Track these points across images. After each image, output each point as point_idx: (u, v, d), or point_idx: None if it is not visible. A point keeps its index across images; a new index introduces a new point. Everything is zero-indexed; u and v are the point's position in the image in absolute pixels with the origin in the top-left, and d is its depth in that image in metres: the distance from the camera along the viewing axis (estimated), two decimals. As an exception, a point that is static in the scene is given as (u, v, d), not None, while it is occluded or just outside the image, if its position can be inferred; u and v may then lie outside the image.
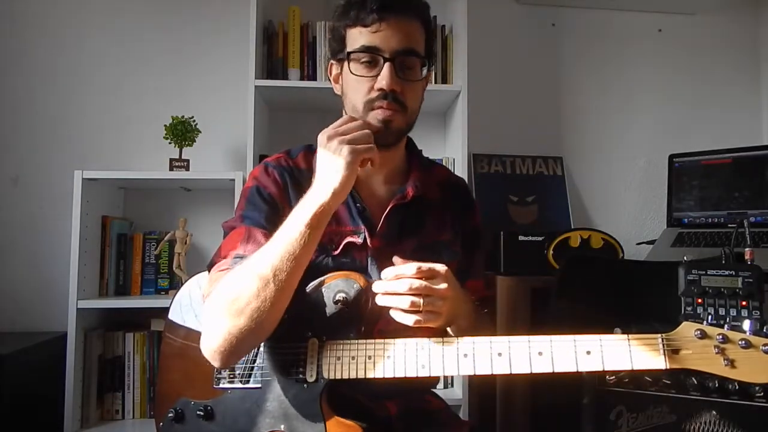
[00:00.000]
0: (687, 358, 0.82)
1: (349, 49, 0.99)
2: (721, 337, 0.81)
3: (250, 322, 0.85)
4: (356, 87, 0.99)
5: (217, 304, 0.88)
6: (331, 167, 0.88)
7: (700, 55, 2.37)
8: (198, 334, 0.93)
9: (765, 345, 0.79)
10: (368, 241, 1.02)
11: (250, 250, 0.94)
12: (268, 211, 1.01)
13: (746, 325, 0.81)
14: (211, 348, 0.89)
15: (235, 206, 1.07)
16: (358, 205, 1.04)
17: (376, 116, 0.98)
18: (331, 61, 1.08)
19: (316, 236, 0.88)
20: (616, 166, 2.31)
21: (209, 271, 0.99)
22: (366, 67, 0.98)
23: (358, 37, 0.98)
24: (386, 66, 0.96)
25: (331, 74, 1.09)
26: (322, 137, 0.91)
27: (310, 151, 1.09)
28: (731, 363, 0.80)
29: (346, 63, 1.00)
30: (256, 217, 1.00)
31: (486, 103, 2.14)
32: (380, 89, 0.97)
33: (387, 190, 1.09)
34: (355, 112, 1.00)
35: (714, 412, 1.07)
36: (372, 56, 0.98)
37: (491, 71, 2.21)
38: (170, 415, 0.97)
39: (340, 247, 1.02)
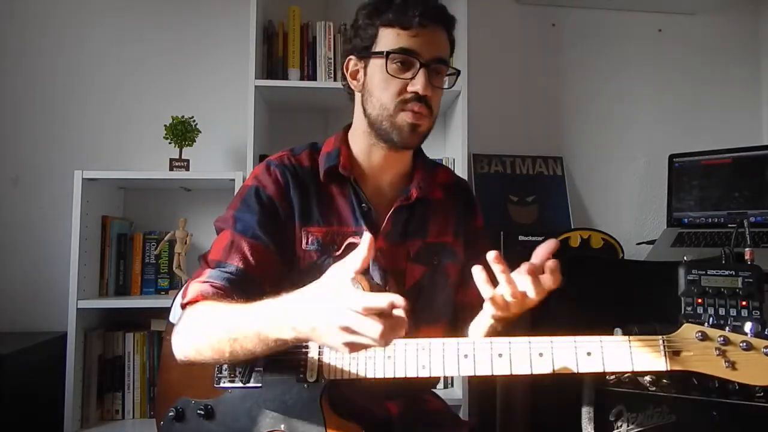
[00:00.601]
0: (688, 359, 0.82)
1: (383, 48, 0.99)
2: (722, 338, 0.81)
3: (204, 360, 0.89)
4: (387, 87, 1.00)
5: (185, 330, 0.91)
6: (332, 335, 0.71)
7: (700, 55, 2.37)
8: None
9: (766, 347, 0.79)
10: None
11: (234, 259, 0.96)
12: (261, 214, 1.00)
13: (748, 326, 0.81)
14: (174, 349, 0.92)
15: (231, 200, 1.07)
16: (363, 205, 1.04)
17: (406, 118, 0.99)
18: (350, 57, 1.06)
19: (275, 347, 0.83)
20: (616, 166, 2.31)
21: (199, 264, 1.00)
22: (400, 68, 0.99)
23: (395, 38, 0.99)
24: (422, 71, 0.98)
25: (347, 70, 1.07)
26: (356, 304, 0.68)
27: (315, 149, 1.10)
28: (732, 365, 0.80)
29: (373, 60, 1.01)
30: (248, 220, 0.99)
31: (486, 103, 2.14)
32: (414, 92, 0.98)
33: (392, 190, 1.09)
34: (383, 110, 1.00)
35: (714, 413, 1.07)
36: (408, 59, 0.99)
37: (491, 71, 2.21)
38: (171, 414, 0.97)
39: (342, 247, 1.01)
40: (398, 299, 0.67)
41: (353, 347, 0.71)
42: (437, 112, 1.05)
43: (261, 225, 0.99)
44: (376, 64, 1.01)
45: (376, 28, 1.01)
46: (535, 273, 0.86)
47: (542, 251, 0.90)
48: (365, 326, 0.67)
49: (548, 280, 0.86)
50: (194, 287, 0.93)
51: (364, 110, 1.04)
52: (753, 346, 0.80)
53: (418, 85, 0.98)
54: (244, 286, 0.94)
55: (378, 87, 1.01)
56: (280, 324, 0.78)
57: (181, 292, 0.98)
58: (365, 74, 1.04)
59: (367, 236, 0.74)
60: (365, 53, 1.02)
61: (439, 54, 1.00)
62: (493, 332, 0.97)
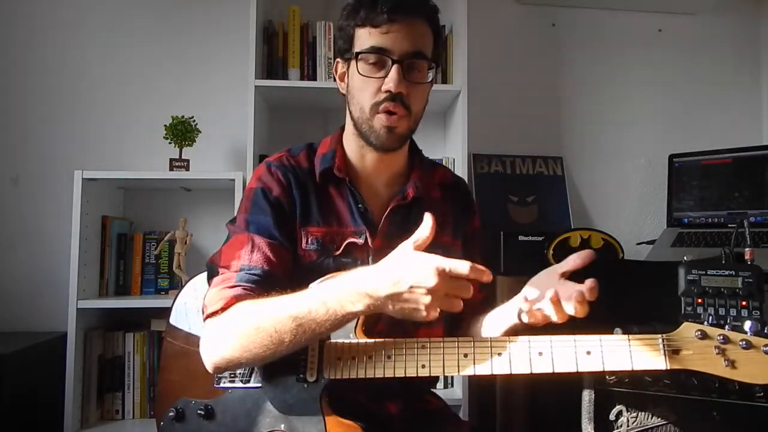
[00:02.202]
0: (687, 358, 0.82)
1: (357, 49, 0.99)
2: (721, 337, 0.81)
3: (252, 358, 0.88)
4: (363, 87, 0.99)
5: (227, 334, 0.88)
6: (405, 303, 0.78)
7: (700, 55, 2.37)
8: (197, 337, 0.94)
9: (766, 346, 0.79)
10: (369, 241, 1.02)
11: (257, 261, 0.95)
12: (274, 215, 1.00)
13: (747, 325, 0.81)
14: (209, 361, 0.91)
15: (237, 207, 1.07)
16: (360, 206, 1.04)
17: (381, 121, 0.98)
18: (338, 60, 1.07)
19: (342, 323, 0.85)
20: (616, 166, 2.31)
21: (210, 278, 0.98)
22: (373, 68, 0.98)
23: (367, 38, 0.98)
24: (394, 68, 0.96)
25: (336, 72, 1.08)
26: (434, 265, 0.75)
27: (312, 149, 1.10)
28: (732, 364, 0.80)
29: (352, 62, 1.00)
30: (263, 222, 0.99)
31: (486, 103, 2.14)
32: (387, 91, 0.96)
33: (389, 191, 1.09)
34: (362, 112, 1.00)
35: (714, 413, 1.07)
36: (380, 57, 0.97)
37: (491, 71, 2.21)
38: (171, 414, 0.97)
39: (342, 247, 1.02)
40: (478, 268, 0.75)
41: (433, 308, 0.76)
42: (419, 108, 1.02)
43: (276, 225, 0.99)
44: (352, 66, 1.00)
45: (352, 29, 1.00)
46: (558, 300, 0.86)
47: (575, 261, 0.92)
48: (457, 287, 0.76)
49: (577, 310, 0.85)
50: (224, 293, 0.91)
51: (350, 113, 1.04)
52: (753, 345, 0.79)
53: (390, 83, 0.96)
54: (271, 285, 0.92)
55: (356, 89, 1.00)
56: (353, 295, 0.81)
57: (204, 303, 0.94)
58: (348, 76, 1.03)
59: (428, 218, 0.81)
60: (347, 55, 1.02)
61: (414, 48, 0.97)
62: (512, 332, 0.98)
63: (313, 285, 0.88)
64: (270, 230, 0.98)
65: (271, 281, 0.94)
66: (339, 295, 0.82)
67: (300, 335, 0.84)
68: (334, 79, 1.09)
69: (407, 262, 0.78)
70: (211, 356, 0.90)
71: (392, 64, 0.96)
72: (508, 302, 1.00)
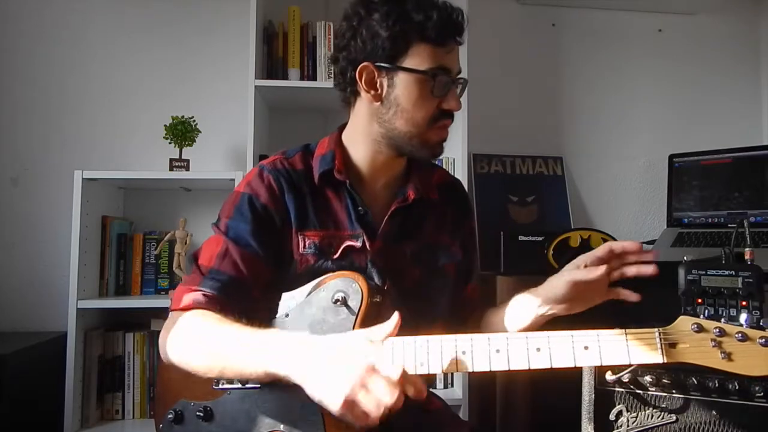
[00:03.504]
0: (684, 351, 0.82)
1: (417, 65, 0.96)
2: (717, 330, 0.81)
3: (190, 370, 0.91)
4: (423, 105, 0.98)
5: (174, 339, 0.93)
6: (335, 390, 0.75)
7: (700, 55, 2.37)
8: None
9: (762, 338, 0.79)
10: (367, 244, 1.02)
11: (226, 267, 0.97)
12: (254, 223, 0.99)
13: (743, 317, 0.82)
14: (161, 352, 0.96)
15: (223, 204, 1.05)
16: (359, 209, 1.03)
17: (439, 135, 1.01)
18: (367, 64, 0.98)
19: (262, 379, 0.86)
20: (616, 166, 2.31)
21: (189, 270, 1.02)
22: (440, 88, 0.99)
23: (431, 55, 0.96)
24: (455, 88, 1.00)
25: (360, 76, 0.99)
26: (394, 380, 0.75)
27: (308, 151, 1.09)
28: (728, 356, 0.80)
29: (402, 74, 0.97)
30: (241, 230, 0.99)
31: (486, 103, 2.14)
32: (449, 109, 1.00)
33: (388, 192, 1.08)
34: (416, 127, 0.99)
35: (714, 413, 1.07)
36: (447, 78, 0.99)
37: (491, 71, 2.21)
38: (170, 416, 0.97)
39: (339, 251, 1.01)
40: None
41: (348, 414, 0.74)
42: None
43: (254, 234, 0.99)
44: (408, 80, 0.97)
45: (407, 42, 0.96)
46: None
47: (614, 248, 0.97)
48: (370, 402, 0.73)
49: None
50: (188, 296, 0.95)
51: (383, 121, 1.00)
52: (749, 337, 0.80)
53: (452, 102, 0.99)
54: (235, 293, 0.96)
55: (414, 105, 0.98)
56: (277, 361, 0.81)
57: (172, 295, 0.98)
58: (389, 86, 0.98)
59: (396, 315, 0.80)
60: (391, 65, 0.97)
61: (460, 66, 1.02)
62: (535, 326, 1.01)
63: (273, 337, 0.85)
64: (246, 239, 0.99)
65: (237, 288, 0.97)
66: (283, 371, 0.80)
67: (225, 373, 0.88)
68: (345, 80, 1.03)
69: (364, 376, 0.74)
70: (162, 349, 0.95)
71: (454, 85, 1.00)
72: (531, 293, 1.02)
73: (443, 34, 0.96)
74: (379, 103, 1.00)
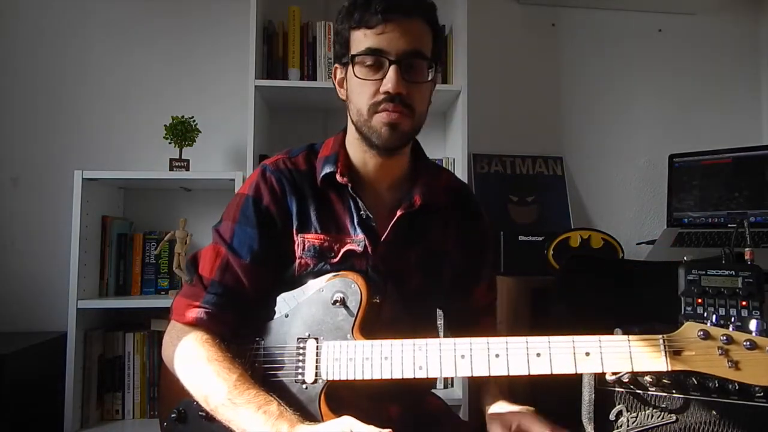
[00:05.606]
0: (689, 359, 0.80)
1: (353, 51, 0.96)
2: (725, 338, 0.78)
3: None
4: (360, 90, 0.96)
5: (175, 357, 0.96)
6: None
7: (700, 55, 2.37)
8: None
9: None
10: (368, 249, 1.00)
11: (228, 280, 0.98)
12: (259, 227, 1.00)
13: (752, 324, 0.79)
14: (163, 357, 1.00)
15: (227, 207, 1.05)
16: (362, 213, 1.01)
17: (381, 119, 0.95)
18: (336, 66, 1.03)
19: None
20: (616, 166, 2.31)
21: (188, 273, 1.03)
22: (371, 70, 0.95)
23: (362, 40, 0.95)
24: (392, 68, 0.93)
25: (335, 79, 1.05)
26: None
27: (313, 151, 1.07)
28: (735, 365, 0.77)
29: (349, 66, 0.97)
30: (248, 235, 0.99)
31: (486, 103, 2.14)
32: (386, 92, 0.94)
33: (392, 196, 1.06)
34: (360, 116, 0.97)
35: (714, 413, 1.07)
36: (377, 59, 0.94)
37: (491, 71, 2.21)
38: (173, 415, 0.97)
39: (339, 254, 1.00)
40: None
41: None
42: (422, 108, 0.99)
43: (260, 238, 0.99)
44: (350, 71, 0.97)
45: (347, 32, 0.97)
46: None
47: None
48: None
49: None
50: (190, 312, 0.96)
51: (350, 118, 1.02)
52: (757, 345, 0.77)
53: (388, 84, 0.93)
54: (236, 303, 0.99)
55: (354, 93, 0.98)
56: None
57: (173, 297, 0.99)
58: (347, 81, 1.00)
59: None
60: (345, 59, 0.99)
61: (411, 47, 0.94)
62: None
63: (268, 406, 0.86)
64: (252, 245, 0.99)
65: (238, 299, 0.99)
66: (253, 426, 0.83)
67: (212, 412, 0.90)
68: (334, 86, 1.06)
69: None
70: (168, 360, 0.98)
71: (389, 65, 0.93)
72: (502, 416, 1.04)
73: (366, 15, 0.94)
74: (347, 101, 1.02)
